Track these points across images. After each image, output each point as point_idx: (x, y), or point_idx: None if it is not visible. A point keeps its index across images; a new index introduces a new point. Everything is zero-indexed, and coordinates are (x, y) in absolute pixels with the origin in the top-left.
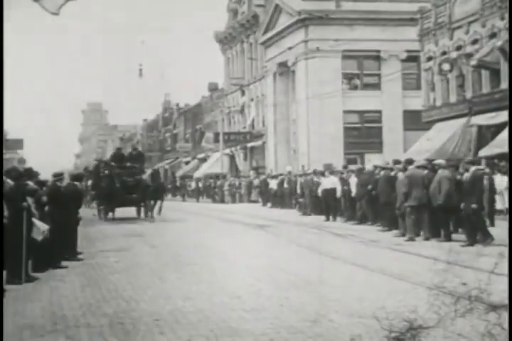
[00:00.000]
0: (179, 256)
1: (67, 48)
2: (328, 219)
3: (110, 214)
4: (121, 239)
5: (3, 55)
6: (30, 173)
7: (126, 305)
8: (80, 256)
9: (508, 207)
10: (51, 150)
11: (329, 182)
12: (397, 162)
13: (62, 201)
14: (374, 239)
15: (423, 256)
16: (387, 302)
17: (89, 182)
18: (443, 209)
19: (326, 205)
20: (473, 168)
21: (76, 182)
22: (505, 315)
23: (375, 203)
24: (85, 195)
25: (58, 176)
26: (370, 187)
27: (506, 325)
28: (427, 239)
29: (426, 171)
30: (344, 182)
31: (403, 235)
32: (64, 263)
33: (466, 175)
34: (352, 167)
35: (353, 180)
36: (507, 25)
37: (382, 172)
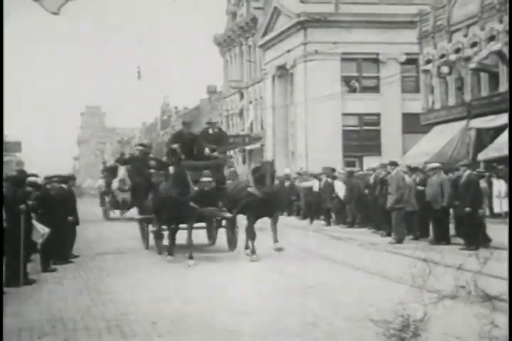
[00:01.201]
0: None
1: (65, 50)
2: (311, 222)
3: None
4: None
5: (3, 55)
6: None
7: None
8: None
9: (508, 210)
10: (49, 153)
11: (310, 185)
12: (393, 164)
13: (49, 204)
14: (373, 241)
15: (421, 259)
16: (386, 304)
17: (116, 183)
18: (444, 211)
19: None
20: (468, 172)
21: (63, 185)
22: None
23: (368, 206)
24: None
25: (49, 179)
26: (366, 191)
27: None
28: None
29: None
30: (329, 186)
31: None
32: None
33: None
34: (341, 170)
35: (338, 184)
36: (506, 28)
37: (383, 173)
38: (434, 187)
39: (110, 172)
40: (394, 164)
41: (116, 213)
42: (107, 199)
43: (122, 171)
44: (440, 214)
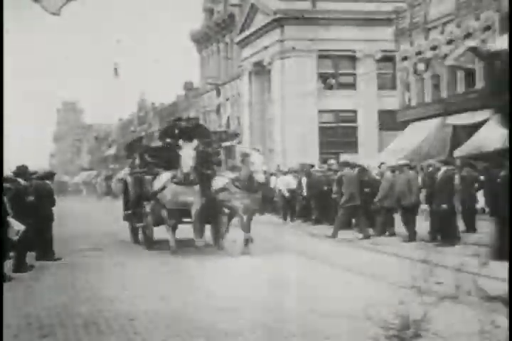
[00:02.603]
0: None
1: (41, 46)
2: (285, 220)
3: None
4: None
5: (3, 55)
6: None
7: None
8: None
9: (508, 209)
10: (25, 150)
11: (285, 182)
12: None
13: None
14: (349, 238)
15: (400, 256)
16: (362, 301)
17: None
18: (412, 208)
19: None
20: (444, 168)
21: (48, 181)
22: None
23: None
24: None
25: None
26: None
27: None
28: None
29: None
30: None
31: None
32: (38, 263)
33: (439, 175)
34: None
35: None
36: (482, 26)
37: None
38: (401, 184)
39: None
40: (345, 164)
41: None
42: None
43: (188, 159)
44: (408, 211)
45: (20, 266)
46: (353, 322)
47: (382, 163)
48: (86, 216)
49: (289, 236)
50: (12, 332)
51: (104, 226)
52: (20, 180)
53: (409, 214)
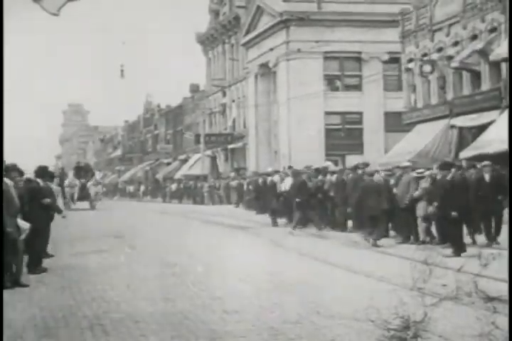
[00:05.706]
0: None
1: (47, 48)
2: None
3: None
4: None
5: (3, 56)
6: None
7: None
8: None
9: (508, 210)
10: (31, 151)
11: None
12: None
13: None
14: (355, 240)
15: (404, 257)
16: (367, 303)
17: None
18: (408, 210)
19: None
20: (453, 170)
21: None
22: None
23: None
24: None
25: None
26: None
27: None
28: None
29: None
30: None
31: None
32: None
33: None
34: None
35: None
36: (488, 27)
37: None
38: (401, 187)
39: None
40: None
41: None
42: None
43: None
44: (405, 212)
45: (36, 267)
46: (357, 323)
47: (365, 164)
48: None
49: None
50: (16, 333)
51: None
52: (40, 181)
53: (406, 216)
